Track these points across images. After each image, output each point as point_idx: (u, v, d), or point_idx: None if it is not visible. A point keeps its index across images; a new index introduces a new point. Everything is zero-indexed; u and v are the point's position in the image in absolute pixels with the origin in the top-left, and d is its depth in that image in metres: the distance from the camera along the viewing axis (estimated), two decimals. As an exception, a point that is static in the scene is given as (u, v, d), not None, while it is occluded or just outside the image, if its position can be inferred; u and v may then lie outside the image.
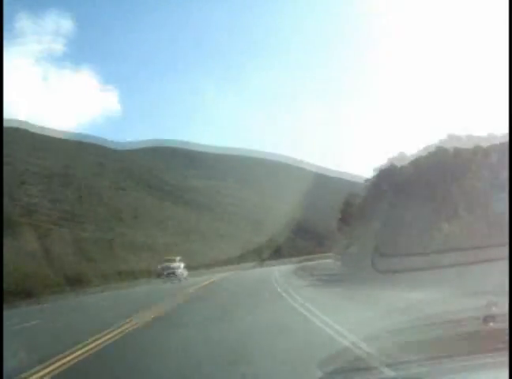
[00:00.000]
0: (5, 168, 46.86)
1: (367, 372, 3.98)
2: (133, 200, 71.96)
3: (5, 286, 20.31)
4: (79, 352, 8.07)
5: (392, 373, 3.38)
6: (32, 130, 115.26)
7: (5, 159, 44.22)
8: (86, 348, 8.43)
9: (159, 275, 38.58)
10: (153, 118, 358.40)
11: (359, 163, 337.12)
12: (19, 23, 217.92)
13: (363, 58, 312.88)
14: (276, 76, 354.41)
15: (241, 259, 66.09)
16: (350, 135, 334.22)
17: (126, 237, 46.45)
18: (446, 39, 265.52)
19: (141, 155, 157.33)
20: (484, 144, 19.50)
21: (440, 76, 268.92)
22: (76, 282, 32.36)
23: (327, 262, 67.77)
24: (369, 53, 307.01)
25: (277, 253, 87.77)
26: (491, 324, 4.22)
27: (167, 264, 39.07)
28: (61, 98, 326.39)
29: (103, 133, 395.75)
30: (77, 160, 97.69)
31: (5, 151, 48.60)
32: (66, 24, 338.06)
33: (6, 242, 27.16)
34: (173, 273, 37.62)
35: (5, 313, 17.57)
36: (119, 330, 10.47)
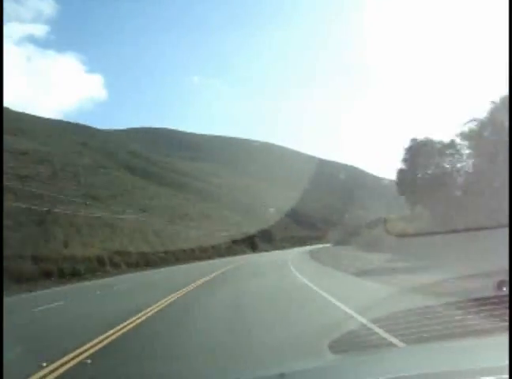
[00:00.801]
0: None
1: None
2: (113, 180, 66.63)
3: None
4: None
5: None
6: (14, 109, 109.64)
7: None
8: None
9: None
10: (141, 105, 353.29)
11: (353, 152, 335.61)
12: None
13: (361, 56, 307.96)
14: (268, 66, 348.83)
15: (230, 245, 61.22)
16: (339, 124, 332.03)
17: (91, 215, 40.21)
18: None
19: (126, 136, 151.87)
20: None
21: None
22: None
23: (329, 247, 63.53)
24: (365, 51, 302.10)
25: (269, 238, 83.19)
26: (505, 289, 4.34)
27: None
28: (44, 84, 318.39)
29: (89, 118, 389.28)
30: (58, 139, 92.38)
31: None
32: (49, 8, 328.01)
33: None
34: None
35: None
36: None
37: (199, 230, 55.15)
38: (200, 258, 45.52)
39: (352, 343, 4.86)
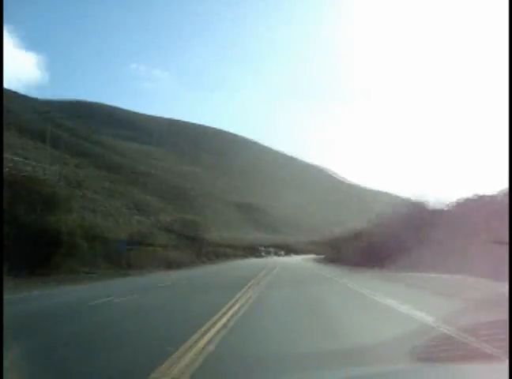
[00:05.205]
0: None
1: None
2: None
3: None
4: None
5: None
6: None
7: None
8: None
9: None
10: (83, 81, 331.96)
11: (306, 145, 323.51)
12: None
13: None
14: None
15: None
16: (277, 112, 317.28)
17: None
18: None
19: (58, 107, 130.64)
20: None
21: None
22: None
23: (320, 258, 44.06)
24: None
25: (196, 244, 56.95)
26: None
27: None
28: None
29: (23, 89, 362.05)
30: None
31: None
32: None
33: None
34: None
35: None
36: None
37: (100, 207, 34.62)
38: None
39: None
